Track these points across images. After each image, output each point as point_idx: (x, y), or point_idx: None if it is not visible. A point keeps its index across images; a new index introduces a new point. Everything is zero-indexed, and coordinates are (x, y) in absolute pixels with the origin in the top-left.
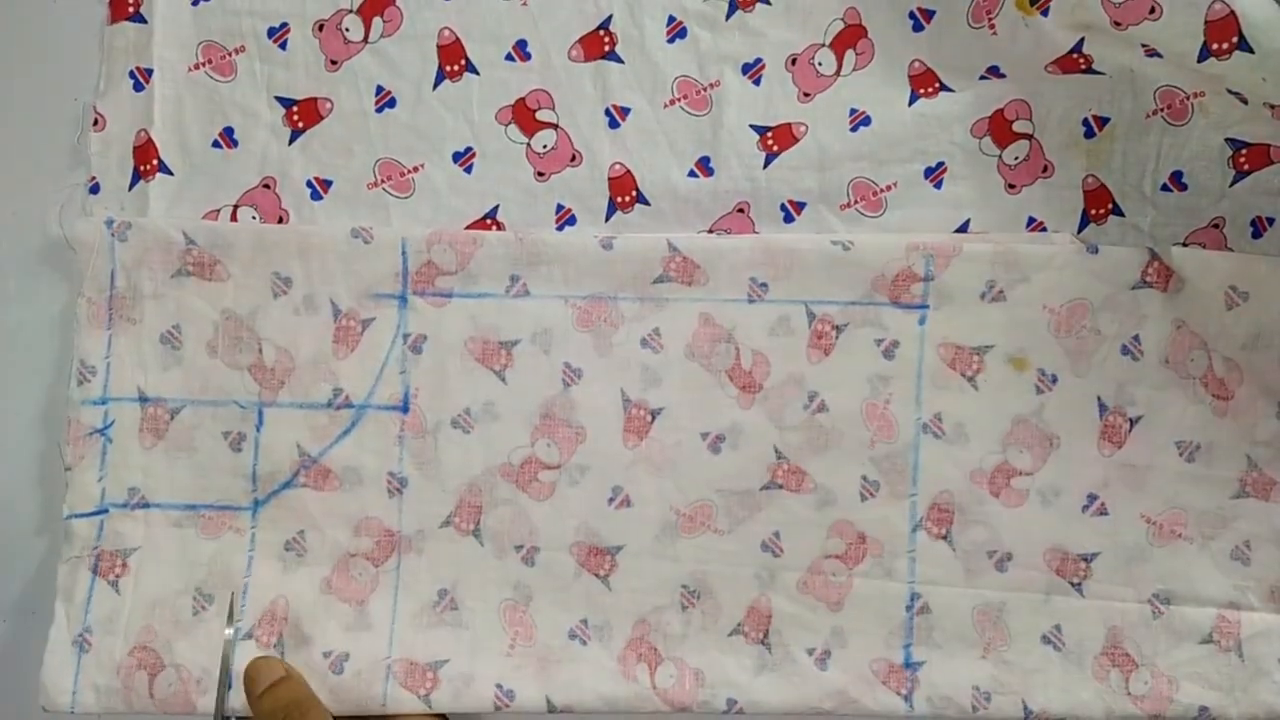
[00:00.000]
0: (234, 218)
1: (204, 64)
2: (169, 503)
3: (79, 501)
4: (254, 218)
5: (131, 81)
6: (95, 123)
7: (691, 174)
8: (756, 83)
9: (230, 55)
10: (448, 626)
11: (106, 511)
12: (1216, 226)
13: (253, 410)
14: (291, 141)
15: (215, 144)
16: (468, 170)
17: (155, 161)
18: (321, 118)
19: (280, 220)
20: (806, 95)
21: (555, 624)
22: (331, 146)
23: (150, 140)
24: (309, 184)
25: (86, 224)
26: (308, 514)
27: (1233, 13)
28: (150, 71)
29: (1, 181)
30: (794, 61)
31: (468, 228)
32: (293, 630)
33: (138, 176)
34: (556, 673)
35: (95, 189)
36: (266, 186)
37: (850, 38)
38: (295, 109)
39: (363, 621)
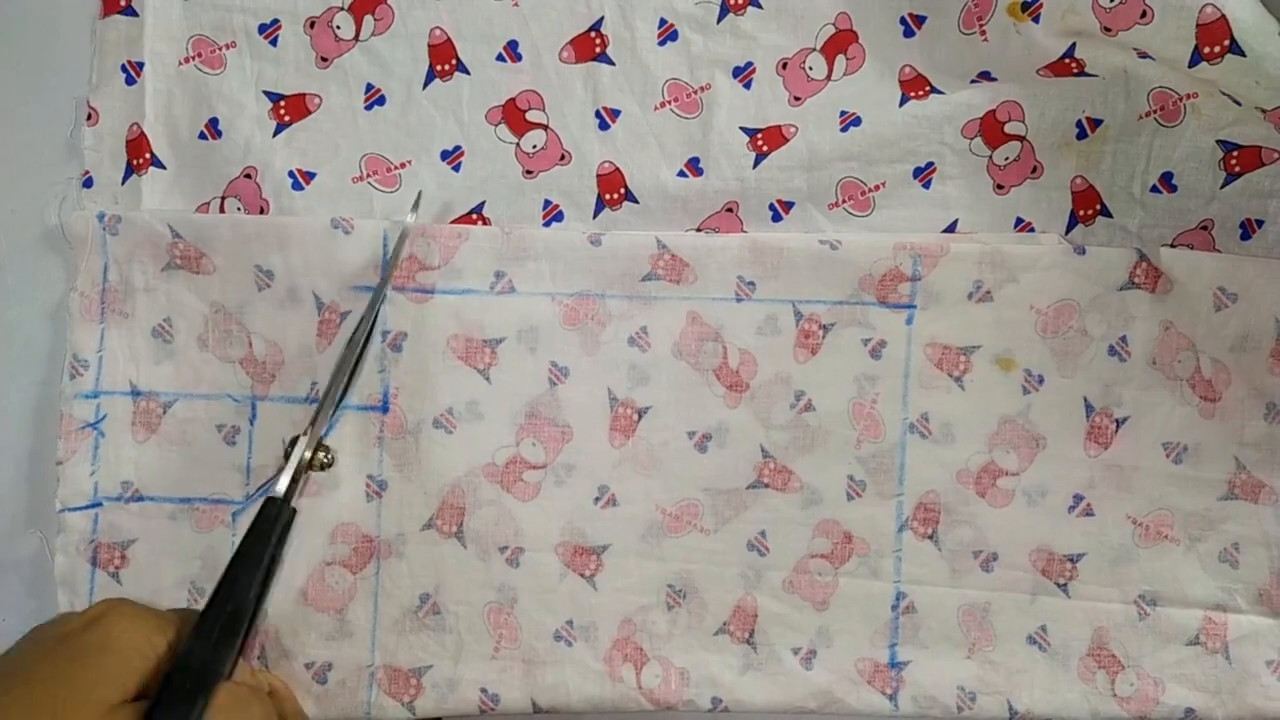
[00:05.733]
0: (222, 209)
1: (194, 58)
2: (163, 496)
3: (71, 496)
4: (239, 209)
5: (124, 75)
6: (89, 117)
7: (681, 174)
8: (747, 86)
9: (220, 50)
10: (430, 631)
11: (100, 505)
12: (1205, 228)
13: (246, 404)
14: (276, 134)
15: (201, 135)
16: (456, 169)
17: (148, 155)
18: (309, 112)
19: (261, 211)
20: (797, 99)
21: (540, 626)
22: (318, 140)
23: (143, 134)
24: (290, 174)
25: (79, 217)
26: None
27: (1224, 16)
28: (141, 65)
29: None
30: (784, 66)
31: (452, 223)
32: (274, 643)
33: (130, 170)
34: (542, 675)
35: (89, 183)
36: (248, 176)
37: (841, 43)
38: (283, 103)
39: (343, 630)
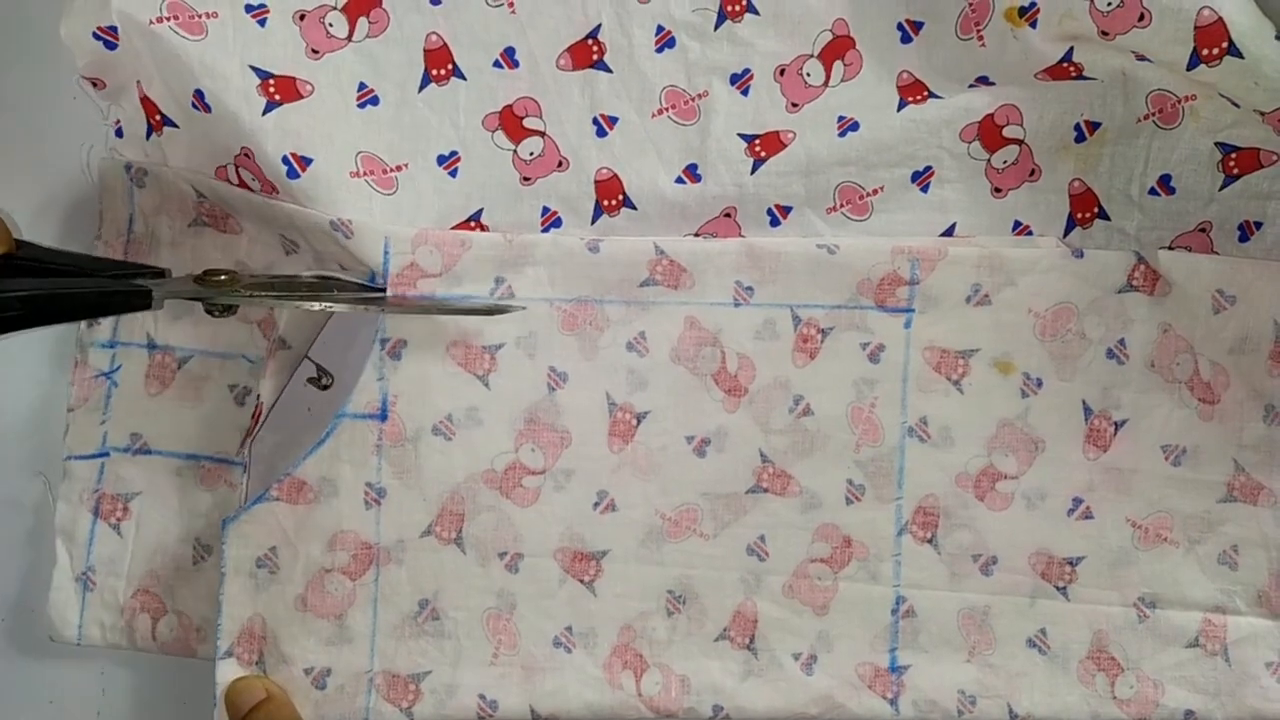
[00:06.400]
0: (238, 177)
1: (169, 19)
2: (170, 451)
3: (79, 444)
4: (252, 179)
5: (101, 42)
6: (94, 85)
7: (679, 180)
8: (745, 93)
9: (201, 18)
10: (429, 637)
11: (107, 455)
12: (1203, 230)
13: (260, 365)
14: (266, 112)
15: (194, 105)
16: (453, 174)
17: (159, 116)
18: (301, 96)
19: (274, 189)
20: (794, 105)
21: (539, 632)
22: (311, 125)
23: (146, 95)
24: (285, 160)
25: (110, 165)
26: (280, 529)
27: (1221, 18)
28: (114, 29)
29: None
30: (782, 72)
31: (452, 229)
32: (272, 648)
33: (150, 129)
34: (541, 681)
35: (119, 132)
36: (247, 155)
37: (838, 49)
38: (272, 82)
39: (343, 635)
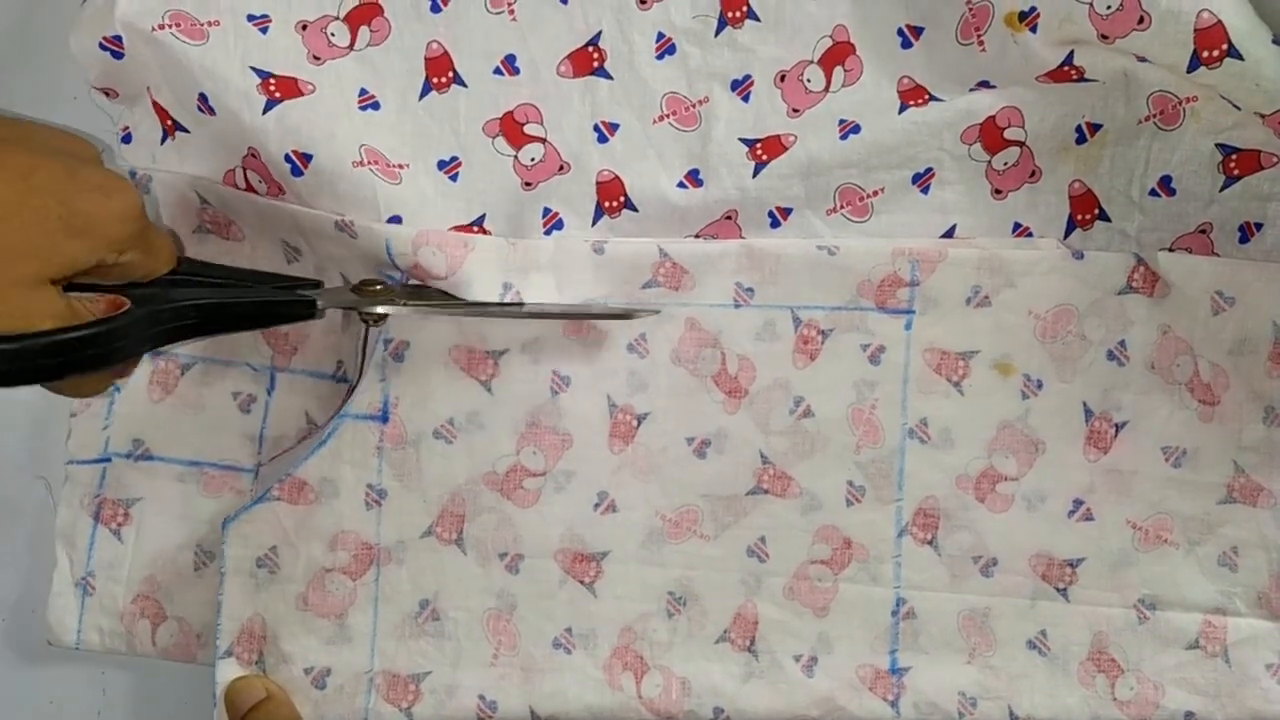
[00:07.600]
0: (246, 180)
1: (171, 25)
2: (173, 457)
3: (80, 449)
4: (260, 181)
5: (109, 52)
6: (106, 94)
7: (680, 185)
8: (745, 99)
9: (203, 26)
10: (429, 637)
11: (109, 460)
12: (1203, 232)
13: (265, 374)
14: (266, 110)
15: (199, 109)
16: (453, 178)
17: (170, 121)
18: (302, 94)
19: (280, 190)
20: (795, 111)
21: (539, 633)
22: (312, 120)
23: (157, 101)
24: (288, 159)
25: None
26: (280, 529)
27: (1220, 21)
28: (119, 38)
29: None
30: (782, 78)
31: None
32: (272, 648)
33: (165, 134)
34: (540, 682)
35: (127, 139)
36: (254, 156)
37: (839, 55)
38: (273, 81)
39: (343, 635)
